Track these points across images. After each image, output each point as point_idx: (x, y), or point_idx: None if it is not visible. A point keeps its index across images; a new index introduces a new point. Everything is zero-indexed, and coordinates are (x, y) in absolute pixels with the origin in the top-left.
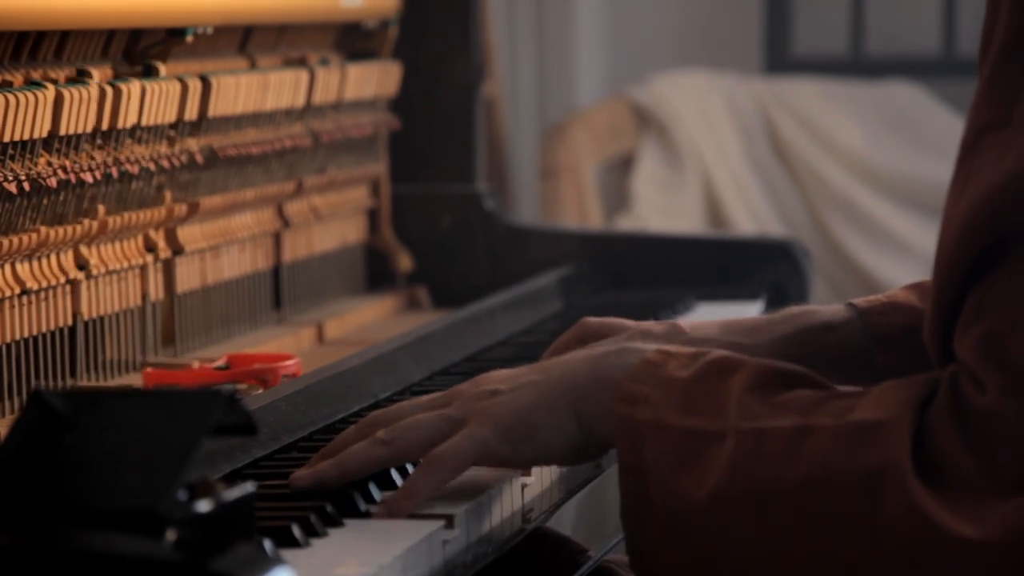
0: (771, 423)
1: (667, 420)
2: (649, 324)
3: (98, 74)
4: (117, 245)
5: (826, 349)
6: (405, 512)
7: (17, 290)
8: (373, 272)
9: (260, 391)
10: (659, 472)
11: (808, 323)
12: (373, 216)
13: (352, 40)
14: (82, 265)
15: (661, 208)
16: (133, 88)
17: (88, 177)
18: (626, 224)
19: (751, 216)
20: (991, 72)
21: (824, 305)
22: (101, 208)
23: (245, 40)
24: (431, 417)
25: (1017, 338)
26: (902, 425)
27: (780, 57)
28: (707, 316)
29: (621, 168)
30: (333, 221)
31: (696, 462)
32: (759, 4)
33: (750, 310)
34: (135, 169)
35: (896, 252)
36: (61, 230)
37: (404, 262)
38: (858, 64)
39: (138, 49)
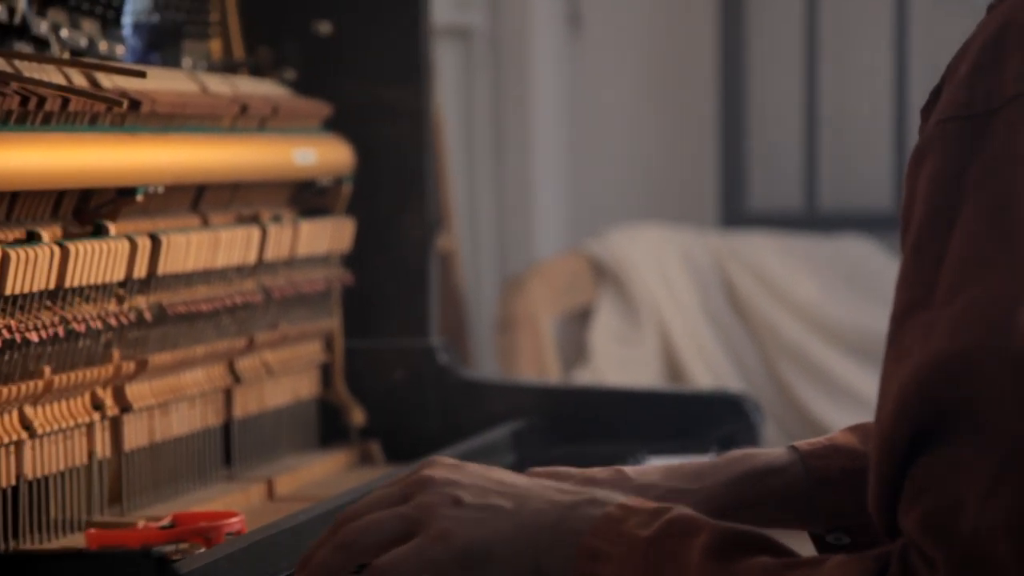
0: None
1: None
2: (594, 471)
3: (48, 234)
4: (63, 403)
5: (769, 493)
6: None
7: None
8: (326, 427)
9: (203, 550)
10: None
11: (750, 467)
12: (326, 370)
13: (306, 197)
14: (27, 425)
15: (619, 361)
16: (81, 248)
17: (34, 336)
18: (584, 377)
19: (708, 368)
20: (912, 251)
21: (766, 449)
22: (47, 368)
23: (198, 198)
24: (388, 517)
25: (961, 515)
26: None
27: (736, 211)
28: None
29: (579, 321)
30: (285, 376)
31: None
32: (715, 160)
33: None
34: (82, 328)
35: (851, 403)
36: (5, 390)
37: (357, 416)
38: (812, 219)
39: (88, 208)
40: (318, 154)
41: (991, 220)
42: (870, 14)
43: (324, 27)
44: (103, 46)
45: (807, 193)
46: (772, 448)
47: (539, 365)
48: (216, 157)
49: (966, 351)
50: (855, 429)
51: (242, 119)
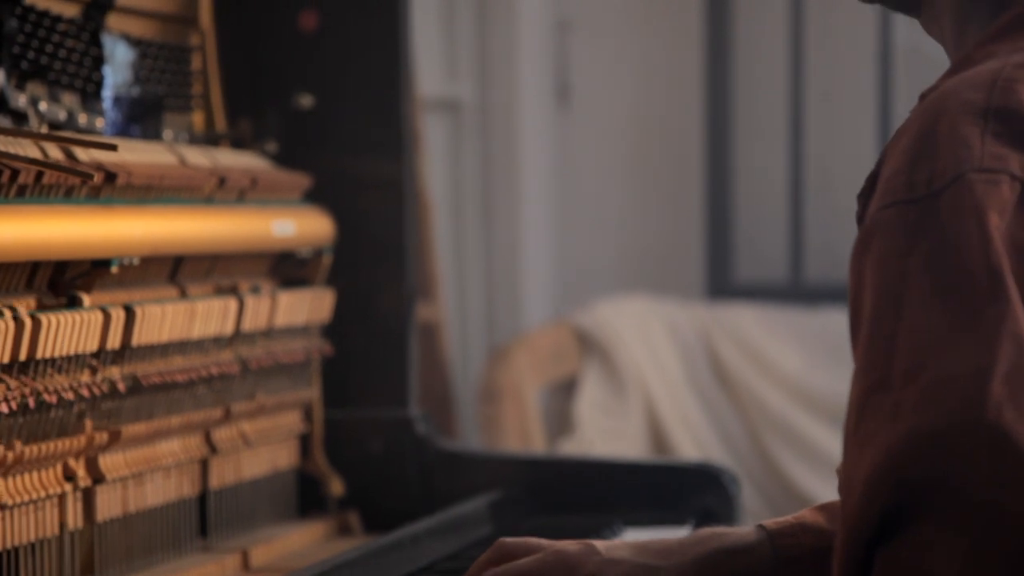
0: None
1: None
2: (564, 543)
3: (22, 306)
4: (34, 474)
5: (737, 572)
6: None
7: None
8: (304, 497)
9: None
10: None
11: (719, 546)
12: (305, 441)
13: (287, 268)
14: None
15: (604, 432)
16: (52, 319)
17: (4, 407)
18: (569, 448)
19: (693, 440)
20: (866, 339)
21: (735, 527)
22: (17, 441)
23: (176, 269)
24: None
25: None
26: None
27: (721, 283)
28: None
29: (564, 391)
30: (263, 446)
31: None
32: (701, 232)
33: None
34: (53, 399)
35: (835, 476)
36: None
37: (336, 487)
38: (797, 291)
39: (64, 280)
40: (297, 226)
41: (943, 300)
42: (856, 89)
43: (306, 100)
44: (83, 119)
45: (792, 265)
46: (741, 527)
47: (524, 436)
48: (192, 229)
49: (938, 428)
50: (823, 508)
51: (221, 191)
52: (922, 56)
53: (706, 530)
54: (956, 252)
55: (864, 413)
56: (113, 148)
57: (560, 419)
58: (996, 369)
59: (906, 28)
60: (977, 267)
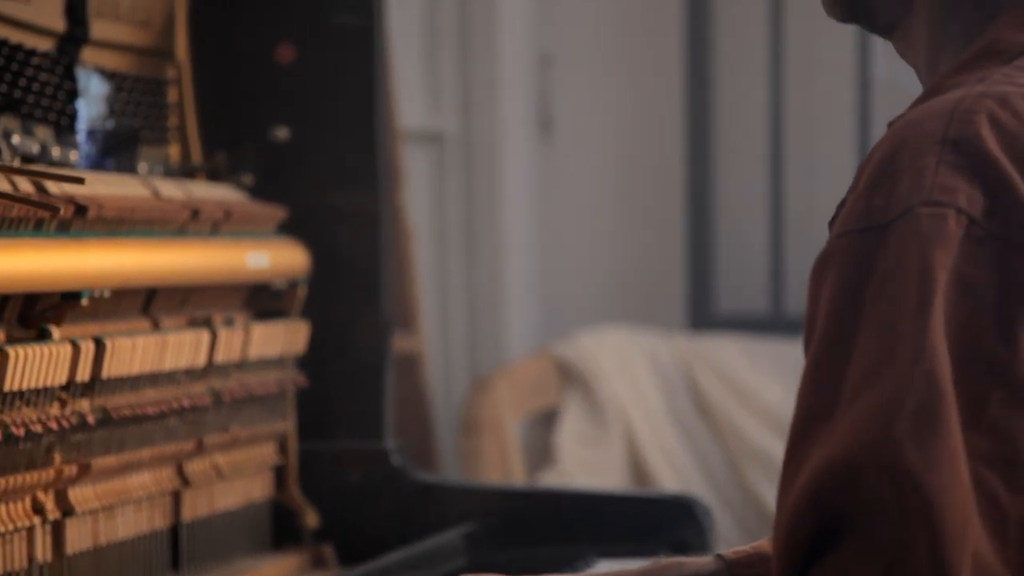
0: None
1: None
2: None
3: None
4: (2, 507)
5: None
6: None
7: None
8: (279, 529)
9: None
10: None
11: (678, 575)
12: (280, 472)
13: (262, 300)
14: None
15: (585, 463)
16: (21, 352)
17: None
18: (550, 480)
19: (673, 471)
20: (813, 365)
21: (695, 557)
22: None
23: (149, 301)
24: None
25: None
26: None
27: (703, 314)
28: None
29: (545, 423)
30: (237, 479)
31: None
32: (682, 263)
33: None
34: (21, 432)
35: None
36: None
37: (311, 519)
38: (778, 322)
39: (34, 313)
40: (272, 258)
41: (880, 334)
42: (835, 121)
43: (282, 132)
44: (56, 152)
45: (774, 296)
46: (701, 556)
47: (504, 468)
48: (164, 261)
49: (850, 460)
50: None
51: (194, 223)
52: (901, 88)
53: (665, 560)
54: (894, 285)
55: (805, 440)
56: (80, 181)
57: (541, 450)
58: (905, 406)
59: (886, 60)
60: (909, 301)
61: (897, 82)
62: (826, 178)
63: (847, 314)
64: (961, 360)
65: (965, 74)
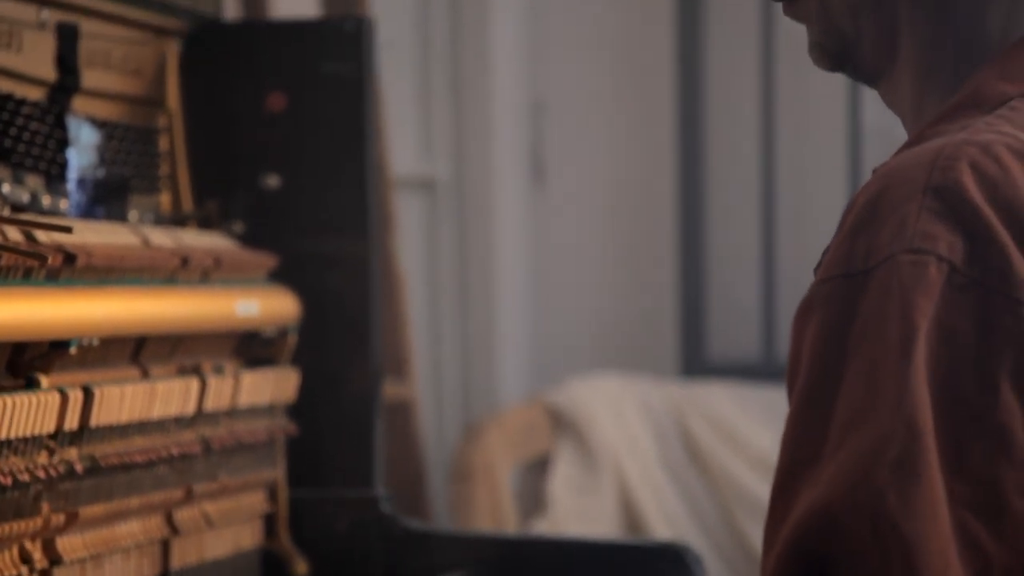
0: None
1: None
2: None
3: None
4: None
5: None
6: None
7: None
8: None
9: None
10: None
11: None
12: (270, 520)
13: (252, 347)
14: None
15: (577, 511)
16: (9, 401)
17: None
18: (542, 527)
19: (665, 518)
20: (797, 412)
21: None
22: None
23: (138, 349)
24: None
25: None
26: None
27: (694, 362)
28: None
29: (537, 470)
30: (226, 527)
31: None
32: (674, 311)
33: None
34: (8, 480)
35: None
36: None
37: (300, 567)
38: (770, 369)
39: (22, 361)
40: (261, 305)
41: (862, 381)
42: (826, 169)
43: (272, 180)
44: (46, 201)
45: (765, 344)
46: None
47: (496, 515)
48: (153, 309)
49: (831, 508)
50: None
51: (184, 271)
52: (892, 137)
53: None
54: (876, 331)
55: (790, 488)
56: (68, 230)
57: (533, 498)
58: (886, 454)
59: (876, 108)
60: (890, 348)
61: (888, 130)
62: (817, 226)
63: (831, 359)
64: (943, 408)
65: (948, 123)
